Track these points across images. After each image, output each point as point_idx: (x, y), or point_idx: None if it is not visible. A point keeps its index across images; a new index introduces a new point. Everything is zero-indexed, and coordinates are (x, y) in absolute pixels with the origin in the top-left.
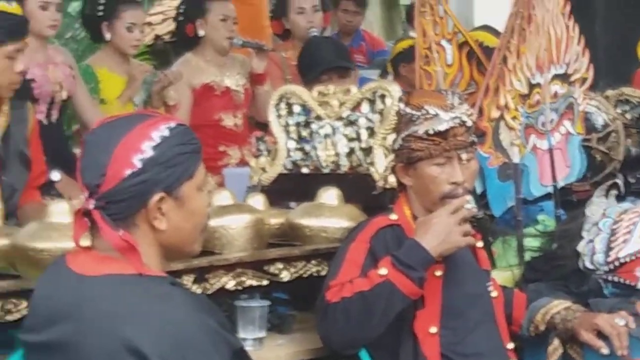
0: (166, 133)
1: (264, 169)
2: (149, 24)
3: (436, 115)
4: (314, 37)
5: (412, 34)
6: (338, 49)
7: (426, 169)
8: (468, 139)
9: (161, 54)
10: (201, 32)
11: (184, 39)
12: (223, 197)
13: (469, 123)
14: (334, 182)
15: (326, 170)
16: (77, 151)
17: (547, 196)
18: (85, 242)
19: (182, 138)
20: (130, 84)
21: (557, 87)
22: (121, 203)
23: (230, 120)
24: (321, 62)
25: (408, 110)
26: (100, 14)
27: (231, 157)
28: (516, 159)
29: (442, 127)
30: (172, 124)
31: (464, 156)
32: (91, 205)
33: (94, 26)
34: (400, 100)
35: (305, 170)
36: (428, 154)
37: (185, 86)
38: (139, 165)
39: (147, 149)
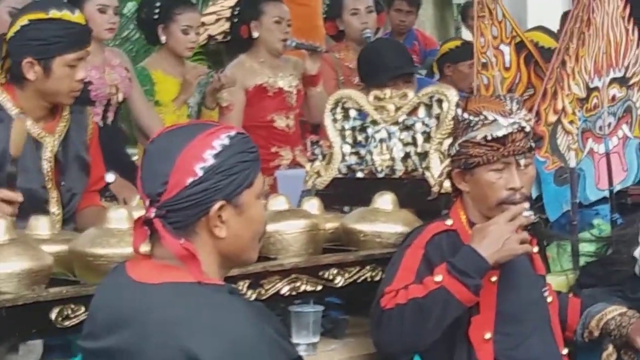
0: (227, 142)
1: (318, 173)
2: (202, 24)
3: (495, 120)
4: (376, 41)
5: (464, 33)
6: (403, 54)
7: (484, 175)
8: (527, 145)
9: (214, 54)
10: (255, 34)
11: (238, 41)
12: (279, 202)
13: (528, 129)
14: (388, 186)
15: (381, 175)
16: (130, 151)
17: (603, 200)
18: (145, 248)
19: (242, 146)
20: (185, 87)
21: (616, 91)
22: (182, 211)
23: (283, 122)
24: (387, 68)
25: (466, 115)
26: (156, 16)
27: (283, 158)
28: (573, 164)
29: (500, 133)
30: (233, 133)
31: (522, 162)
32: (152, 213)
33: (150, 29)
34: (457, 105)
35: (360, 174)
36: (486, 160)
37: (239, 87)
38: (200, 173)
39: (208, 158)
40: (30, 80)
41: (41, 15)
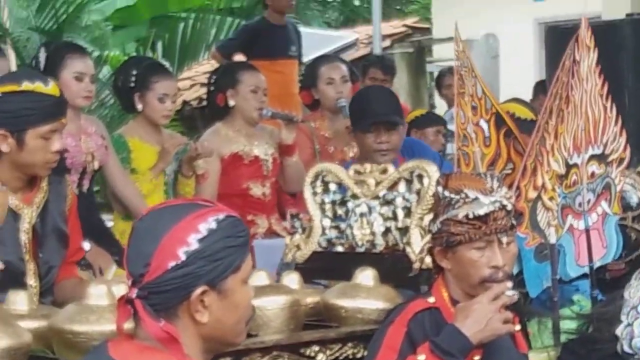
0: (213, 226)
1: (298, 247)
2: (177, 89)
3: (476, 199)
4: (368, 87)
5: (438, 101)
6: (389, 102)
7: (466, 253)
8: (508, 223)
9: (189, 119)
10: (232, 102)
11: (214, 108)
12: (259, 277)
13: (509, 207)
14: (369, 261)
15: (361, 250)
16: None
17: (583, 276)
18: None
19: (229, 231)
20: (163, 156)
21: (594, 167)
22: (163, 294)
23: (259, 190)
24: (371, 114)
25: (447, 193)
26: (132, 84)
27: (259, 227)
28: (553, 240)
29: (482, 211)
30: (221, 216)
31: (505, 240)
32: (134, 294)
33: (126, 96)
34: (438, 183)
35: (340, 248)
36: (468, 238)
37: (214, 155)
38: (183, 257)
39: (192, 242)
40: (4, 152)
41: (14, 87)
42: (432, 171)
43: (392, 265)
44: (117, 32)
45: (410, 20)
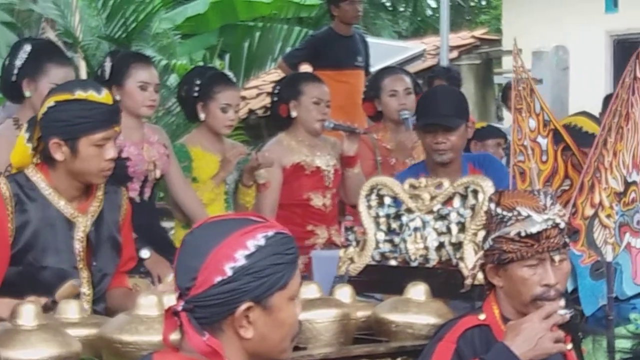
0: (262, 242)
1: (352, 259)
2: (244, 98)
3: (528, 216)
4: (439, 86)
5: (505, 112)
6: (451, 102)
7: (517, 271)
8: (561, 241)
9: (254, 128)
10: (294, 114)
11: (277, 119)
12: (310, 290)
13: (562, 225)
14: (421, 276)
15: (414, 264)
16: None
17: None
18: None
19: (278, 248)
20: (225, 165)
21: None
22: (209, 308)
23: (319, 200)
24: (428, 115)
25: (499, 210)
26: (196, 94)
27: (319, 237)
28: (610, 258)
29: (534, 230)
30: (270, 233)
31: (557, 258)
32: (180, 307)
33: (189, 106)
34: (490, 200)
35: (393, 262)
36: (520, 256)
37: (276, 165)
38: (229, 273)
39: (240, 258)
40: (59, 160)
41: (67, 96)
42: (487, 187)
43: (445, 281)
44: (185, 40)
45: (478, 32)
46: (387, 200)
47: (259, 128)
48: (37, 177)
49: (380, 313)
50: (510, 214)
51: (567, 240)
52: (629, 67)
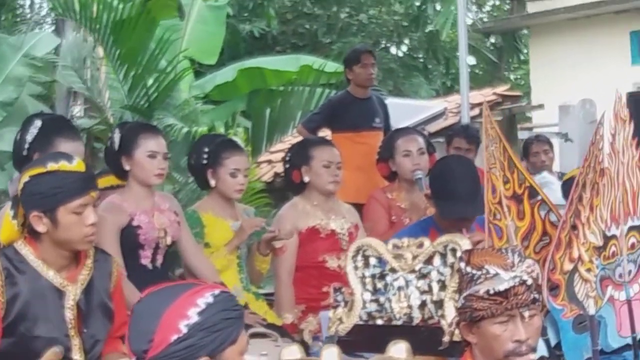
0: (211, 300)
1: (341, 320)
2: (269, 161)
3: (496, 274)
4: (449, 162)
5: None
6: (474, 187)
7: (489, 328)
8: (530, 297)
9: (279, 191)
10: (306, 179)
11: (290, 184)
12: (291, 352)
13: (530, 282)
14: (406, 334)
15: (399, 322)
16: None
17: (626, 346)
18: None
19: (225, 304)
20: (239, 234)
21: (634, 239)
22: None
23: (334, 262)
24: (457, 208)
25: (469, 269)
26: (205, 161)
27: None
28: (592, 311)
29: (502, 287)
30: (217, 292)
31: (527, 314)
32: None
33: (200, 174)
34: (461, 259)
35: (379, 321)
36: (490, 314)
37: (292, 229)
38: (185, 330)
39: (192, 315)
40: (42, 232)
41: (40, 170)
42: (465, 245)
43: (427, 338)
44: (214, 107)
45: (501, 89)
46: (373, 261)
47: (284, 191)
48: (25, 250)
49: None
50: (479, 272)
51: (537, 296)
52: (598, 124)
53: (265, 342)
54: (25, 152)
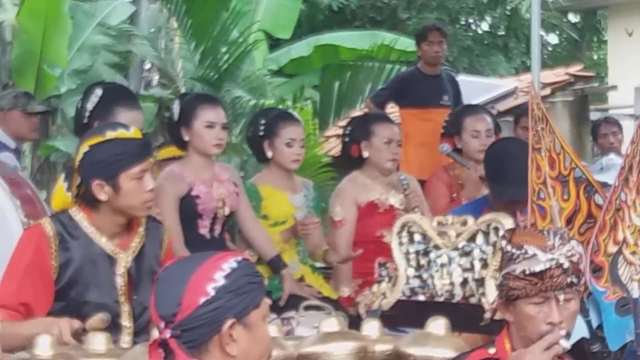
0: (234, 265)
1: (384, 294)
2: (338, 135)
3: (534, 255)
4: (506, 143)
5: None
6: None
7: (524, 308)
8: (565, 281)
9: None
10: (365, 154)
11: (348, 159)
12: (330, 324)
13: (567, 265)
14: (447, 310)
15: (441, 299)
16: None
17: None
18: None
19: (249, 270)
20: (295, 232)
21: None
22: (196, 330)
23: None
24: (509, 191)
25: (509, 248)
26: (261, 133)
27: None
28: (636, 294)
29: (538, 268)
30: (239, 258)
31: (561, 297)
32: (168, 334)
33: (257, 146)
34: (503, 237)
35: (421, 297)
36: (525, 294)
37: (352, 203)
38: (212, 293)
39: (219, 278)
40: (103, 200)
41: (99, 139)
42: (508, 224)
43: (468, 315)
44: (286, 80)
45: (573, 69)
46: (417, 237)
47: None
48: (79, 216)
49: (401, 346)
50: (518, 252)
51: (574, 280)
52: None
53: (319, 315)
54: (85, 120)
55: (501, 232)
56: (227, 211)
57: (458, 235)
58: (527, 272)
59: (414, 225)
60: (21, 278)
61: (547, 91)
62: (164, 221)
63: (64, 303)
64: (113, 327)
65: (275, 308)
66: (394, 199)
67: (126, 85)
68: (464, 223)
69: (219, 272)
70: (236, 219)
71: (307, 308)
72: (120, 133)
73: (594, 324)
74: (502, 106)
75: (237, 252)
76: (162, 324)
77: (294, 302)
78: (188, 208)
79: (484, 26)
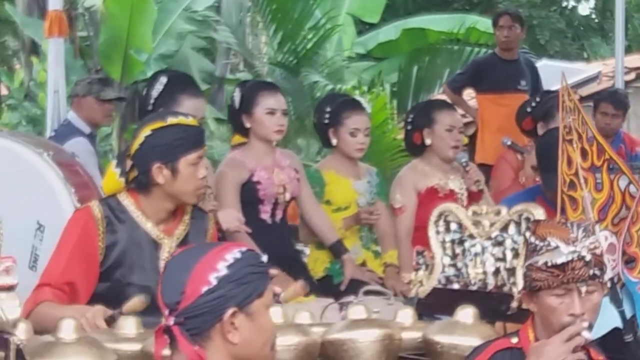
0: (238, 255)
1: (421, 282)
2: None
3: (557, 247)
4: (556, 132)
5: None
6: None
7: (546, 299)
8: (587, 273)
9: None
10: (428, 141)
11: (411, 146)
12: (356, 311)
13: (589, 258)
14: (480, 299)
15: (474, 288)
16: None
17: None
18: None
19: (252, 260)
20: (357, 220)
21: None
22: (198, 318)
23: None
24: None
25: (533, 239)
26: (327, 121)
27: None
28: None
29: (559, 260)
30: (243, 249)
31: (583, 289)
32: (171, 321)
33: (323, 133)
34: (528, 228)
35: (456, 286)
36: (547, 285)
37: (412, 190)
38: (214, 282)
39: (221, 268)
40: (159, 184)
41: (161, 124)
42: (539, 214)
43: (499, 304)
44: (365, 65)
45: None
46: (453, 226)
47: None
48: (127, 201)
49: (429, 334)
50: (542, 244)
51: (597, 272)
52: None
53: (378, 300)
54: (150, 107)
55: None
56: (287, 197)
57: (492, 225)
58: (550, 264)
59: (450, 215)
60: (68, 258)
61: (632, 76)
62: (224, 206)
63: (108, 284)
64: (155, 310)
65: (335, 292)
66: (454, 184)
67: (189, 74)
68: (498, 213)
69: (222, 262)
70: (298, 204)
71: (367, 293)
72: (180, 119)
73: (628, 314)
74: (585, 91)
75: (241, 244)
76: (167, 311)
77: (355, 286)
78: (249, 194)
79: (580, 9)
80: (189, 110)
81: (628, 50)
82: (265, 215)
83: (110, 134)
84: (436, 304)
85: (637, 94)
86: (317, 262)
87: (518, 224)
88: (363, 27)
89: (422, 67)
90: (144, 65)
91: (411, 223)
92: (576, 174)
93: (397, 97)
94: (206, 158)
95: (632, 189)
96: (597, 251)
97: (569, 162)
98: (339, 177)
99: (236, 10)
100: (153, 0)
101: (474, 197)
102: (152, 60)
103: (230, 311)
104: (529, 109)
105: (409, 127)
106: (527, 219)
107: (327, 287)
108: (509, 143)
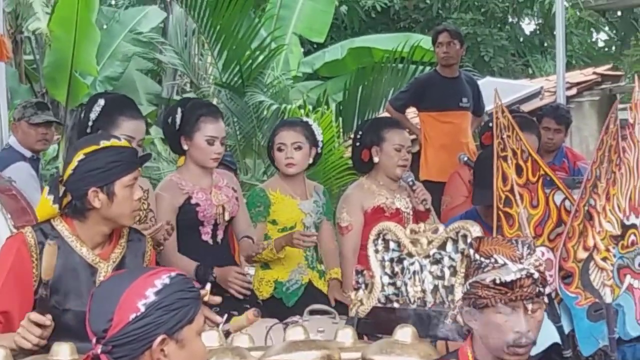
0: (167, 281)
1: (361, 302)
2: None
3: (504, 265)
4: (491, 148)
5: None
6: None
7: (492, 317)
8: (534, 290)
9: None
10: (376, 159)
11: (358, 163)
12: (295, 332)
13: (536, 275)
14: (418, 318)
15: (413, 306)
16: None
17: None
18: None
19: (182, 286)
20: (288, 241)
21: None
22: (127, 346)
23: None
24: (488, 192)
25: (477, 256)
26: (271, 143)
27: None
28: (609, 299)
29: (509, 278)
30: (173, 274)
31: (530, 307)
32: (99, 349)
33: (269, 156)
34: (470, 245)
35: (395, 304)
36: (494, 302)
37: (358, 209)
38: (142, 309)
39: (150, 295)
40: (95, 209)
41: (94, 147)
42: (475, 232)
43: (436, 322)
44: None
45: (601, 68)
46: (392, 245)
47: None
48: (61, 226)
49: (368, 354)
50: (487, 261)
51: (542, 289)
52: (612, 114)
53: (323, 320)
54: (88, 130)
55: (469, 239)
56: (227, 216)
57: (429, 242)
58: (498, 281)
59: (389, 233)
60: (1, 286)
61: (574, 91)
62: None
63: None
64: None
65: (283, 312)
66: (400, 203)
67: (127, 96)
68: (435, 231)
69: (151, 288)
70: (232, 224)
71: (312, 312)
72: (113, 142)
73: (566, 330)
74: (527, 107)
75: (171, 269)
76: (94, 340)
77: (302, 307)
78: (189, 216)
79: (524, 27)
80: (128, 132)
81: (569, 66)
82: (207, 237)
83: (56, 157)
84: (376, 324)
85: (578, 109)
86: (262, 282)
87: (455, 241)
88: (311, 46)
89: (368, 85)
90: (89, 87)
91: (357, 242)
92: (511, 190)
93: (342, 116)
94: (147, 180)
95: (567, 204)
96: (541, 268)
97: (504, 178)
98: (284, 196)
99: (182, 31)
100: (97, 23)
101: (420, 217)
102: (98, 83)
103: (159, 338)
104: (490, 124)
105: (358, 144)
106: (464, 236)
107: (272, 308)
108: (465, 159)
